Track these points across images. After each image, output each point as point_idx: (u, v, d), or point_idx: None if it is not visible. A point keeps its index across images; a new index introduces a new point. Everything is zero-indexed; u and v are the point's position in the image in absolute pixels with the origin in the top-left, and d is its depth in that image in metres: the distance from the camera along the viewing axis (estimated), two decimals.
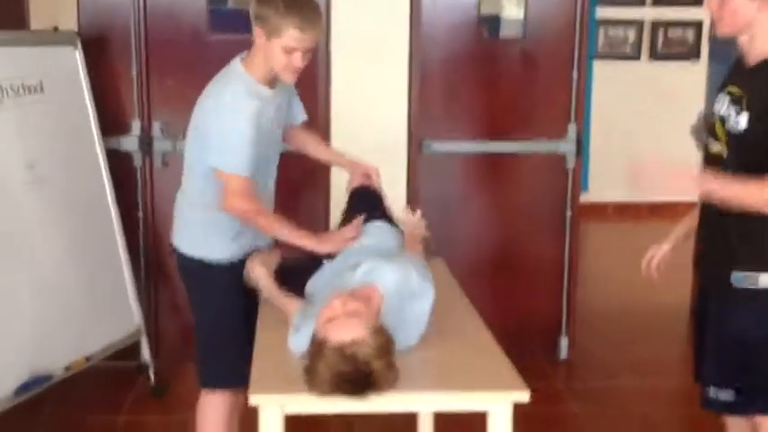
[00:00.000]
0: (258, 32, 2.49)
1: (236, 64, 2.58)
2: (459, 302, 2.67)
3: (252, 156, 2.51)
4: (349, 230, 2.61)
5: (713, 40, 4.87)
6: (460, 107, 4.10)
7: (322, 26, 2.57)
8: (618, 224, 7.14)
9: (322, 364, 1.98)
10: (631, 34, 7.12)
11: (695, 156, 4.90)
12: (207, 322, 2.74)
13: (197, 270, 2.70)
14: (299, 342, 2.20)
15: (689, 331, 4.72)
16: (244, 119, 2.48)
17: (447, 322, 2.47)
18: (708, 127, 2.54)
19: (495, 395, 2.09)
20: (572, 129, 4.09)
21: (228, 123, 2.49)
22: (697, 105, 4.82)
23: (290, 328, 2.28)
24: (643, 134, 7.11)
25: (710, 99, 4.67)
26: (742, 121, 2.29)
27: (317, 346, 2.02)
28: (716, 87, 4.17)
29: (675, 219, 7.24)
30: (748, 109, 2.28)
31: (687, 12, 7.02)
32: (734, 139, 2.33)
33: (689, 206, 5.53)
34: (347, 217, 2.76)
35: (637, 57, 7.14)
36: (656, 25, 7.09)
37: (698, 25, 6.94)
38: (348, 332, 2.01)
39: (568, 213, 4.16)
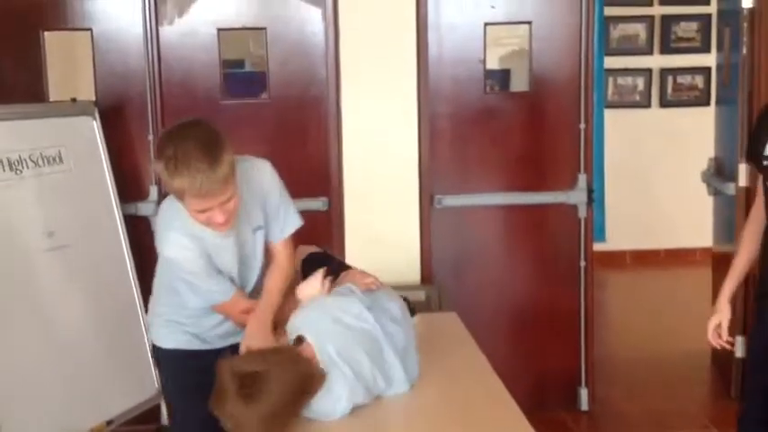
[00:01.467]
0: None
1: (171, 201, 2.35)
2: (471, 355, 2.69)
3: (218, 280, 2.42)
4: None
5: (721, 85, 4.92)
6: (470, 161, 4.15)
7: (225, 176, 2.15)
8: (637, 272, 7.12)
9: None
10: (641, 82, 7.19)
11: (707, 200, 4.94)
12: None
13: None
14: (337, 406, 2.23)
15: (711, 379, 4.69)
16: (190, 265, 2.37)
17: (457, 374, 2.49)
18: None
19: None
20: (582, 179, 4.12)
21: (180, 268, 2.42)
22: (707, 150, 4.85)
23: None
24: (657, 181, 7.13)
25: (720, 143, 4.74)
26: None
27: None
28: (731, 132, 4.26)
29: (692, 264, 7.23)
30: None
31: (695, 59, 7.09)
32: None
33: (706, 252, 5.54)
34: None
35: (647, 105, 7.20)
36: (664, 72, 7.16)
37: (707, 71, 7.00)
38: None
39: (582, 263, 4.17)
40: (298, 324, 2.34)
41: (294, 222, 2.55)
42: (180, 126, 2.23)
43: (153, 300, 2.69)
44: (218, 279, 2.41)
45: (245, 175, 2.36)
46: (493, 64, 4.22)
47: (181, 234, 2.33)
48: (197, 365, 2.51)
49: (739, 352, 4.32)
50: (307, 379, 2.17)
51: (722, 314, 2.64)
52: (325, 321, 2.31)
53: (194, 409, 2.47)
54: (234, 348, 2.53)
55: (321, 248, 3.07)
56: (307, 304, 2.42)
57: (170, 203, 2.37)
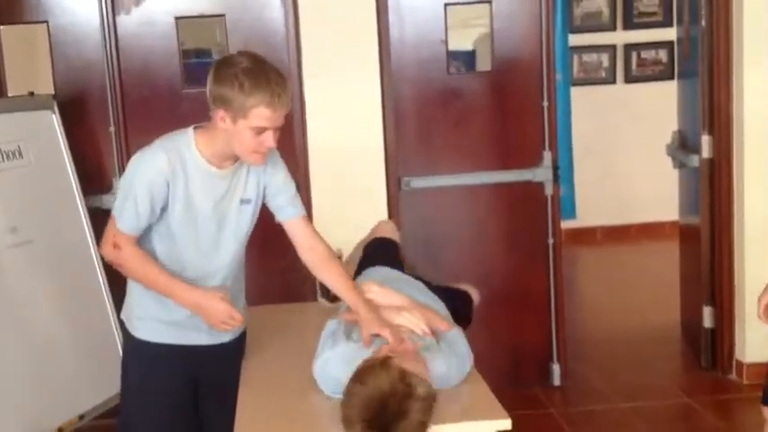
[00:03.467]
0: (220, 115, 2.28)
1: (188, 129, 2.42)
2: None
3: (142, 216, 2.34)
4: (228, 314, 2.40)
5: (682, 59, 4.95)
6: (436, 142, 4.16)
7: (291, 96, 2.34)
8: (608, 248, 7.18)
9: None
10: (605, 59, 7.22)
11: (674, 174, 4.99)
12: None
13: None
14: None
15: (681, 350, 4.75)
16: (148, 180, 2.32)
17: None
18: None
19: (477, 425, 2.11)
20: (547, 156, 4.14)
21: (134, 174, 2.35)
22: (673, 124, 4.89)
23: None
24: (624, 157, 7.18)
25: (683, 116, 4.78)
26: None
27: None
28: (693, 105, 4.27)
29: (662, 237, 7.31)
30: None
31: (658, 33, 7.13)
32: None
33: (674, 225, 5.59)
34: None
35: (613, 81, 7.24)
36: (628, 48, 7.20)
37: (669, 45, 7.04)
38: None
39: (551, 240, 4.19)
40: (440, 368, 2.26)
41: (301, 209, 2.58)
42: (237, 53, 2.36)
43: (129, 295, 2.60)
44: (144, 216, 2.34)
45: (267, 161, 2.44)
46: (459, 45, 4.21)
47: (167, 158, 2.32)
48: (162, 357, 2.50)
49: (707, 322, 4.37)
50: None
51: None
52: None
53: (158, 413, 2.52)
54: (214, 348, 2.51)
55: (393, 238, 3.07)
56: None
57: (161, 145, 2.38)
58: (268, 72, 2.27)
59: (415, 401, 1.98)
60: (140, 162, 2.36)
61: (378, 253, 3.04)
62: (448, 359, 2.29)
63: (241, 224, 2.48)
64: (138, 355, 2.57)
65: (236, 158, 2.41)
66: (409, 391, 1.97)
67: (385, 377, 1.99)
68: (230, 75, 2.24)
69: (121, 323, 2.68)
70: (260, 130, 2.27)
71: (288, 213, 2.54)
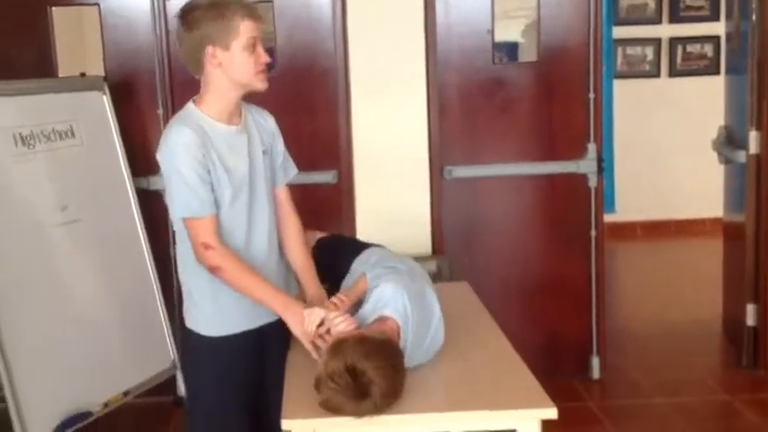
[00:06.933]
0: (212, 54, 2.34)
1: (188, 104, 2.44)
2: (485, 323, 2.71)
3: (203, 194, 2.32)
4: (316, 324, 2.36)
5: (731, 53, 4.89)
6: (480, 132, 4.15)
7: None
8: (647, 243, 7.12)
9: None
10: (650, 52, 7.15)
11: (716, 170, 4.93)
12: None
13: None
14: None
15: (722, 347, 4.71)
16: (185, 154, 2.31)
17: (472, 343, 2.51)
18: None
19: (523, 413, 2.12)
20: (592, 148, 4.12)
21: (171, 163, 2.33)
22: (717, 119, 4.83)
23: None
24: (666, 151, 7.11)
25: (730, 111, 4.72)
26: None
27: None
28: (741, 100, 4.22)
29: (702, 234, 7.24)
30: None
31: (704, 27, 7.04)
32: None
33: (715, 222, 5.53)
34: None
35: (656, 74, 7.17)
36: (673, 42, 7.12)
37: (715, 39, 6.96)
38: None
39: (593, 233, 4.17)
40: (385, 301, 2.34)
41: (294, 168, 2.65)
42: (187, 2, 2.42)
43: (182, 281, 2.56)
44: (203, 190, 2.33)
45: (255, 111, 2.55)
46: (505, 36, 4.20)
47: (191, 129, 2.34)
48: (240, 349, 2.49)
49: (750, 320, 4.33)
50: (402, 362, 2.20)
51: None
52: (403, 297, 2.33)
53: (233, 402, 2.50)
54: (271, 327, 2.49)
55: (326, 232, 3.07)
56: (384, 277, 2.44)
57: (177, 129, 2.37)
58: None
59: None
60: (169, 148, 2.34)
61: (348, 242, 3.04)
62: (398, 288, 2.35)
63: (268, 177, 2.53)
64: (213, 355, 2.51)
65: (239, 111, 2.46)
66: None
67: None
68: (202, 14, 2.33)
69: (182, 331, 2.62)
70: (252, 46, 2.35)
71: (280, 179, 2.60)
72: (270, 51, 4.04)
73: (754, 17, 4.15)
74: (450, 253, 4.09)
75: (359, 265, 2.70)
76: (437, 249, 4.11)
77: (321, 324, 2.33)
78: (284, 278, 2.60)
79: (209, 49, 2.34)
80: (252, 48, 2.35)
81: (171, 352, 3.82)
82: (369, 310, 2.37)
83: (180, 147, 2.32)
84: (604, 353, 4.29)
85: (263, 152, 2.51)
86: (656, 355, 4.59)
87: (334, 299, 2.50)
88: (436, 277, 3.60)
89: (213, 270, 2.38)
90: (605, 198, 6.14)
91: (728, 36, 4.99)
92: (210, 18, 2.32)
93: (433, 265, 3.75)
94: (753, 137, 4.22)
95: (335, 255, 2.77)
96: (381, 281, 2.40)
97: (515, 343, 2.54)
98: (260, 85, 2.41)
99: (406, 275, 2.52)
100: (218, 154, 2.38)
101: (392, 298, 2.33)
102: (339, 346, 2.13)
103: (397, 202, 4.07)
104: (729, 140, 4.63)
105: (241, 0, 2.38)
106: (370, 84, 4.01)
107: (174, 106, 3.97)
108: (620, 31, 6.98)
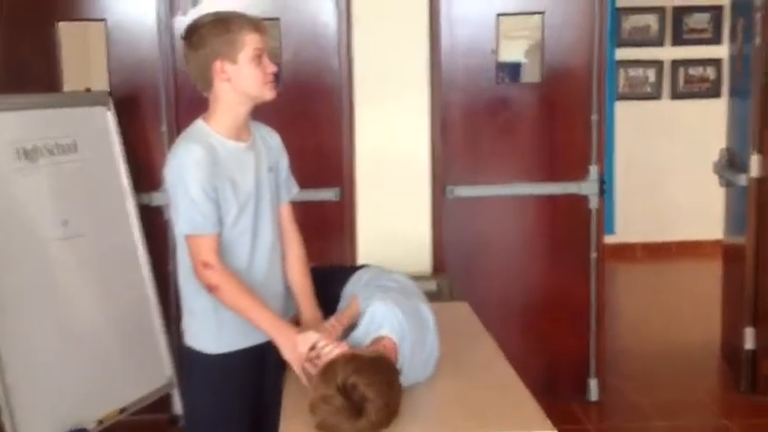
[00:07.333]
0: (220, 69, 2.36)
1: (197, 120, 2.47)
2: (485, 344, 2.70)
3: (207, 212, 2.33)
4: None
5: (734, 76, 4.91)
6: (482, 151, 4.16)
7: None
8: (647, 265, 7.12)
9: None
10: (652, 74, 7.17)
11: (716, 192, 4.94)
12: None
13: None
14: None
15: (721, 371, 4.70)
16: (194, 170, 2.32)
17: (472, 363, 2.50)
18: None
19: None
20: (594, 170, 4.13)
21: (179, 179, 2.34)
22: (718, 143, 4.85)
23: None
24: (667, 173, 7.13)
25: (732, 134, 4.74)
26: None
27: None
28: (743, 123, 4.24)
29: (702, 256, 7.22)
30: None
31: (707, 50, 7.07)
32: None
33: (715, 244, 5.54)
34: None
35: (658, 96, 7.19)
36: (675, 64, 7.15)
37: (718, 63, 6.98)
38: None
39: (593, 254, 4.17)
40: (379, 321, 2.33)
41: (296, 186, 2.68)
42: (193, 20, 2.47)
43: (183, 297, 2.55)
44: (209, 208, 2.34)
45: (261, 129, 2.58)
46: (508, 56, 4.21)
47: (200, 146, 2.35)
48: (239, 367, 2.49)
49: (749, 344, 4.33)
50: (397, 378, 2.19)
51: None
52: (398, 314, 2.33)
53: (232, 419, 2.50)
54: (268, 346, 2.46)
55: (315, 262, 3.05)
56: (375, 296, 2.44)
57: (186, 146, 2.39)
58: (230, 11, 2.44)
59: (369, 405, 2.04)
60: (178, 164, 2.36)
61: (337, 270, 2.98)
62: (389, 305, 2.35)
63: (273, 193, 2.54)
64: (213, 372, 2.51)
65: (248, 128, 2.49)
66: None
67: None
68: (207, 30, 2.38)
69: (185, 351, 2.59)
70: (258, 57, 2.38)
71: (283, 196, 2.62)
72: (276, 67, 4.09)
73: (758, 40, 4.17)
74: (451, 272, 4.09)
75: (350, 287, 2.69)
76: (438, 268, 4.11)
77: (313, 348, 2.32)
78: (283, 299, 2.60)
79: (218, 64, 2.37)
80: (258, 59, 2.39)
81: (168, 369, 3.81)
82: (362, 333, 2.35)
83: (189, 163, 2.34)
84: (603, 375, 4.28)
85: (269, 169, 2.53)
86: (656, 378, 4.58)
87: (326, 324, 2.49)
88: (436, 297, 3.59)
89: (210, 289, 2.38)
90: (606, 219, 6.16)
91: (732, 59, 5.02)
92: (216, 34, 2.37)
93: (433, 285, 3.75)
94: (754, 160, 4.23)
95: (325, 285, 2.72)
96: (373, 301, 2.38)
97: (515, 364, 2.53)
98: (269, 94, 2.44)
99: (398, 292, 2.51)
100: (228, 171, 2.39)
101: (386, 317, 2.32)
102: (329, 366, 2.12)
103: (399, 221, 4.07)
104: (731, 163, 4.64)
105: (244, 14, 2.43)
106: (374, 102, 4.02)
107: (179, 123, 3.98)
108: (622, 53, 7.01)
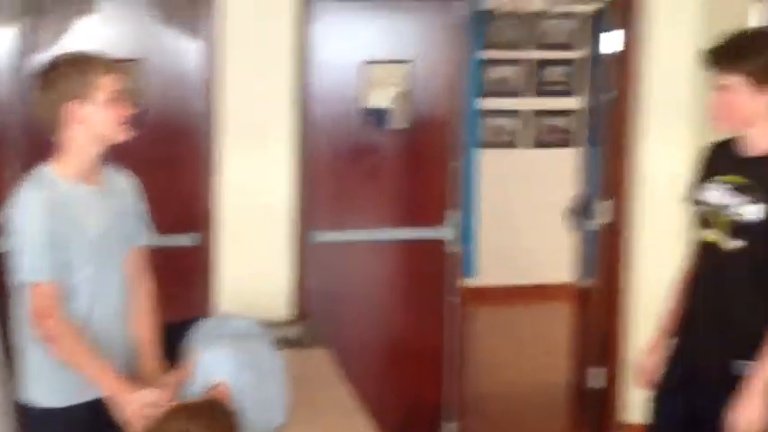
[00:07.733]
0: (72, 110, 2.33)
1: (42, 166, 2.41)
2: (340, 391, 2.70)
3: (46, 257, 2.27)
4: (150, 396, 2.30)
5: (587, 126, 5.14)
6: (347, 196, 4.19)
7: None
8: (507, 307, 7.31)
9: None
10: (513, 123, 7.47)
11: (568, 237, 5.16)
12: None
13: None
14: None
15: (570, 411, 4.86)
16: (37, 216, 2.28)
17: (326, 409, 2.50)
18: (699, 217, 2.56)
19: None
20: (450, 215, 4.23)
21: (21, 224, 2.30)
22: (573, 189, 5.06)
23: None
24: (525, 219, 7.38)
25: (584, 181, 4.95)
26: (754, 211, 2.37)
27: None
28: (595, 171, 4.46)
29: (557, 299, 7.43)
30: (766, 201, 2.36)
31: (563, 102, 7.43)
32: (743, 228, 2.39)
33: (569, 287, 5.74)
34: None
35: (518, 145, 7.49)
36: (536, 114, 7.47)
37: (572, 114, 7.35)
38: None
39: (450, 298, 4.25)
40: (212, 368, 2.31)
41: (151, 230, 2.64)
42: (48, 61, 2.45)
43: (20, 350, 2.44)
44: (51, 255, 2.28)
45: (114, 172, 2.53)
46: (375, 103, 4.27)
47: (44, 191, 2.31)
48: (82, 421, 2.38)
49: (595, 383, 4.49)
50: (233, 419, 2.15)
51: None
52: (229, 358, 2.32)
53: None
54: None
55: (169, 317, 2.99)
56: (208, 346, 2.41)
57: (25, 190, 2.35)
58: (87, 52, 2.45)
59: None
60: (21, 210, 2.32)
61: (176, 327, 2.96)
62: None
63: (123, 238, 2.49)
64: (52, 427, 2.41)
65: (98, 171, 2.44)
66: None
67: None
68: (62, 71, 2.36)
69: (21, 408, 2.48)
70: (115, 99, 2.36)
71: (137, 240, 2.57)
72: (139, 110, 3.98)
73: (612, 92, 4.37)
74: (314, 318, 4.08)
75: (192, 339, 2.64)
76: (300, 315, 4.08)
77: (148, 405, 2.26)
78: (128, 350, 2.51)
79: (71, 105, 2.33)
80: (114, 101, 2.37)
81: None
82: (199, 383, 2.34)
83: (31, 209, 2.29)
84: (460, 418, 4.33)
85: (119, 213, 2.48)
86: (510, 418, 4.69)
87: (164, 379, 2.43)
88: (297, 343, 3.57)
89: (47, 340, 2.30)
90: (468, 263, 6.30)
91: (589, 110, 5.25)
92: (72, 74, 2.35)
93: (294, 331, 3.72)
94: (604, 206, 4.42)
95: (176, 338, 2.67)
96: (205, 350, 2.37)
97: (373, 408, 2.55)
98: (122, 136, 2.41)
99: (236, 338, 2.51)
100: (72, 215, 2.34)
101: (219, 363, 2.33)
102: (162, 422, 2.08)
103: (261, 267, 4.03)
104: (582, 209, 4.84)
105: (100, 55, 2.43)
106: (238, 146, 3.97)
107: (26, 167, 3.80)
108: (486, 103, 7.26)
